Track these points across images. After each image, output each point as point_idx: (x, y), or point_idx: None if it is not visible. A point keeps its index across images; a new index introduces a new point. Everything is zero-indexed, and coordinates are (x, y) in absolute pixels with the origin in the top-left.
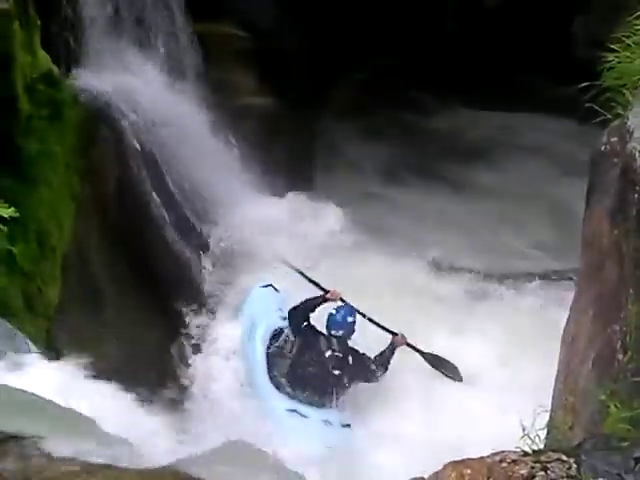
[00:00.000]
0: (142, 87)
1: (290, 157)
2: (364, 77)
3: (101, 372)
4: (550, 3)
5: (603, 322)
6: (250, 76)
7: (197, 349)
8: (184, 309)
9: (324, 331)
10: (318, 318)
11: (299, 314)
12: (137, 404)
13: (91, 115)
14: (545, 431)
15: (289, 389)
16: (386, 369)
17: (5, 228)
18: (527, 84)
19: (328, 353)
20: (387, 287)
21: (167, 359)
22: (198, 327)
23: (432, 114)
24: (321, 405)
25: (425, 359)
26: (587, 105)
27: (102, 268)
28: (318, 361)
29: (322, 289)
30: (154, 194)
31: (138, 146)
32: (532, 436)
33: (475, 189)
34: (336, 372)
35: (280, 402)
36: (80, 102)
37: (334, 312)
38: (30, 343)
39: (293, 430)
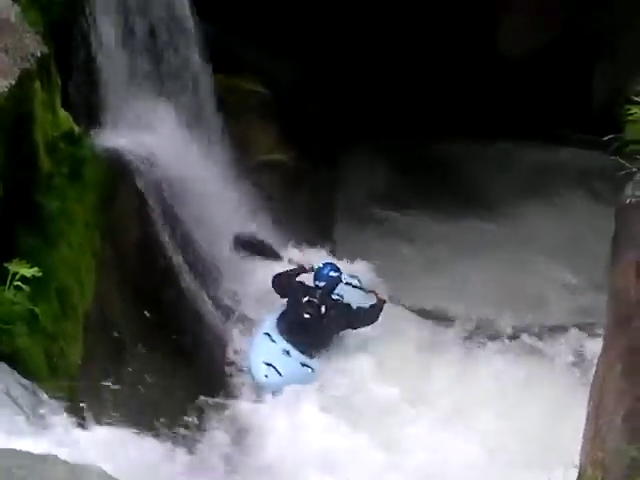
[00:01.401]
0: (162, 143)
1: (310, 212)
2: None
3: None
4: (570, 53)
5: (633, 377)
6: (270, 132)
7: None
8: (208, 365)
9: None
10: None
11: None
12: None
13: (111, 172)
14: None
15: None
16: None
17: (27, 288)
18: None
19: (305, 299)
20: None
21: (191, 414)
22: (222, 381)
23: (454, 163)
24: (294, 343)
25: None
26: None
27: (124, 326)
28: (296, 304)
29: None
30: (175, 251)
31: (158, 203)
32: None
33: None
34: (306, 316)
35: (264, 327)
36: (100, 160)
37: (321, 266)
38: (55, 403)
39: (256, 346)
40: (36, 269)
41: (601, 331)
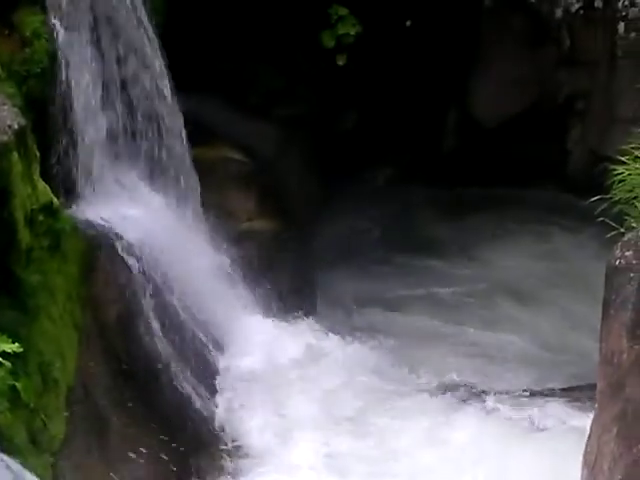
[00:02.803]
0: (142, 213)
1: (292, 280)
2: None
3: None
4: (546, 118)
5: (628, 441)
6: (249, 200)
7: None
8: (191, 440)
9: None
10: None
11: None
12: None
13: (91, 244)
14: None
15: None
16: None
17: (8, 363)
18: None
19: None
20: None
21: None
22: (207, 459)
23: (428, 226)
24: None
25: None
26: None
27: (107, 398)
28: None
29: None
30: (157, 321)
31: (139, 273)
32: None
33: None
34: None
35: None
36: (80, 231)
37: None
38: None
39: None
40: (17, 345)
41: None
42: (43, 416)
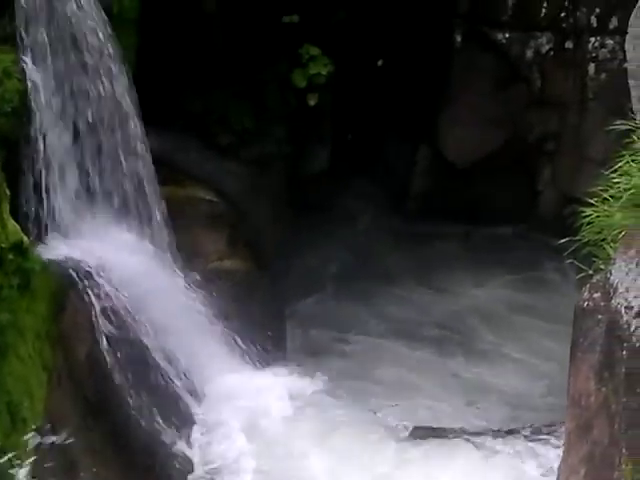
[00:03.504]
0: (112, 252)
1: (262, 319)
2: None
3: None
4: (517, 158)
5: None
6: (219, 240)
7: None
8: None
9: None
10: None
11: None
12: None
13: (61, 283)
14: None
15: None
16: None
17: None
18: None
19: None
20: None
21: None
22: None
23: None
24: None
25: None
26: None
27: (76, 440)
28: None
29: None
30: (127, 362)
31: (109, 312)
32: None
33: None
34: None
35: None
36: (50, 270)
37: None
38: None
39: None
40: None
41: None
42: (11, 456)
